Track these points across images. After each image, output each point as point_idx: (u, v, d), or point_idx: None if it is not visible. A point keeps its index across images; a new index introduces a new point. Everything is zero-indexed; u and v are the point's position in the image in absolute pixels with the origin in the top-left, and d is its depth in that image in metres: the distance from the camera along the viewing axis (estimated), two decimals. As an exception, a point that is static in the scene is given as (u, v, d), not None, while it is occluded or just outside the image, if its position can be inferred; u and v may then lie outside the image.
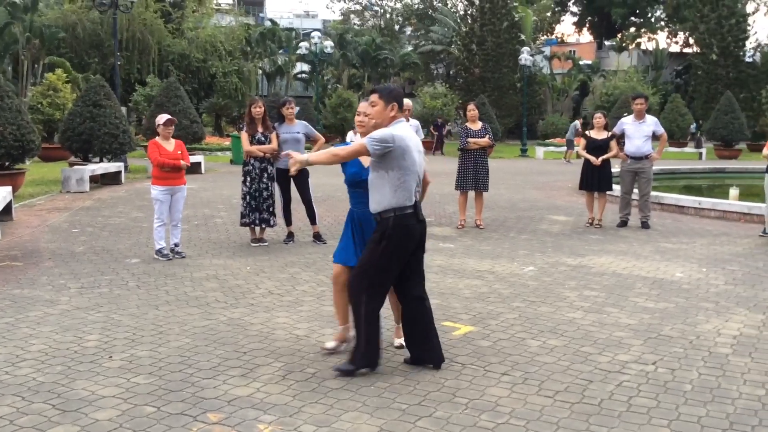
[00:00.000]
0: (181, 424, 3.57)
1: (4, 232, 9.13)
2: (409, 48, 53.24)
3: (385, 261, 4.27)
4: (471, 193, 10.25)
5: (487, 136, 10.04)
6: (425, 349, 4.46)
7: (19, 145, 12.49)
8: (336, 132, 32.89)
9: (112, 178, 15.89)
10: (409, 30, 57.84)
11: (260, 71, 46.74)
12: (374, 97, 4.40)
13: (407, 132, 4.34)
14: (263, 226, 8.63)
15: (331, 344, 4.78)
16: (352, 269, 4.50)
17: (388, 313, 4.90)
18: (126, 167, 17.44)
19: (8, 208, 10.18)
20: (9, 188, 10.24)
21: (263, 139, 8.53)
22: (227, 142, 27.50)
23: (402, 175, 4.24)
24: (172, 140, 7.91)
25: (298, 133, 8.75)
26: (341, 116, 32.19)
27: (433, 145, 31.58)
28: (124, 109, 21.04)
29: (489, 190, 10.36)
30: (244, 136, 8.58)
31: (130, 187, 15.11)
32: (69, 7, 35.21)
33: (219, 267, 7.38)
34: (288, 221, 8.99)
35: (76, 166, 15.12)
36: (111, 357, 4.55)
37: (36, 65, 34.16)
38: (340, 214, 11.37)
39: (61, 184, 14.37)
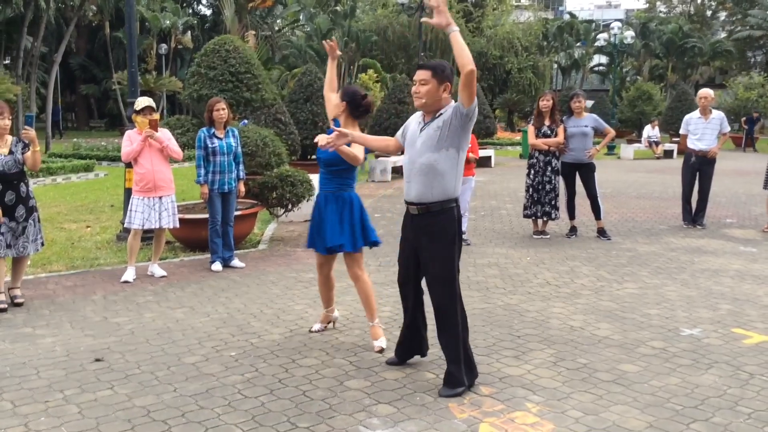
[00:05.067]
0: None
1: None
2: (722, 35, 48.46)
3: (459, 258, 3.95)
4: (783, 194, 9.20)
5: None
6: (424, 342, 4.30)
7: (334, 138, 14.14)
8: (632, 126, 31.31)
9: (410, 170, 17.16)
10: (723, 15, 52.58)
11: (555, 65, 46.25)
12: (425, 75, 3.83)
13: None
14: (545, 218, 8.72)
15: (317, 326, 5.02)
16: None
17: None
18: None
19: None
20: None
21: (549, 132, 8.61)
22: (518, 137, 27.84)
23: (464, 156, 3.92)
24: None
25: (586, 126, 8.67)
26: (639, 109, 30.49)
27: (743, 141, 28.48)
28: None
29: (806, 191, 9.19)
30: (531, 129, 8.75)
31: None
32: (381, 12, 38.42)
33: (501, 256, 7.67)
34: (571, 215, 8.95)
35: (380, 158, 16.61)
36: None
37: (352, 66, 37.87)
38: (628, 211, 10.98)
39: (368, 174, 15.96)
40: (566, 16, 51.09)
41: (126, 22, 8.50)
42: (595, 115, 8.96)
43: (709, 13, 52.67)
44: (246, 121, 8.48)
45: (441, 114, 3.90)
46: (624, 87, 40.14)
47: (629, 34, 27.02)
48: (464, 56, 3.58)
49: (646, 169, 19.56)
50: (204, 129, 6.97)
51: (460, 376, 3.89)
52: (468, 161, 8.22)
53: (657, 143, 24.72)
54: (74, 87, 43.98)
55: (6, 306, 5.51)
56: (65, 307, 5.59)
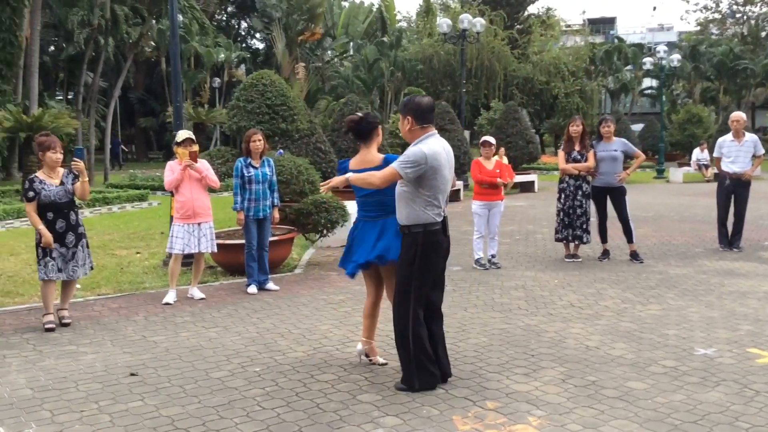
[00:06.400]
0: (461, 405, 4.09)
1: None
2: (778, 55, 47.34)
3: (420, 278, 4.30)
4: (822, 216, 9.07)
5: None
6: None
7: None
8: (682, 149, 30.86)
9: (452, 195, 17.38)
10: (779, 35, 51.40)
11: (603, 89, 45.89)
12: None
13: (440, 148, 4.22)
14: (576, 242, 8.81)
15: (360, 347, 4.98)
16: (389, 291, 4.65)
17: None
18: (465, 185, 18.85)
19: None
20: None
21: (579, 157, 8.73)
22: (565, 162, 27.74)
23: (434, 193, 4.24)
24: (493, 159, 8.57)
25: (615, 151, 8.75)
26: (689, 132, 30.07)
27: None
28: (467, 133, 22.58)
29: None
30: (561, 154, 8.89)
31: (467, 203, 16.32)
32: (427, 41, 38.93)
33: (529, 278, 7.80)
34: (603, 239, 9.01)
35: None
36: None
37: (398, 95, 38.43)
38: (667, 234, 10.94)
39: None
40: (615, 41, 50.73)
41: (171, 59, 9.03)
42: (624, 140, 9.04)
43: (763, 34, 51.57)
44: (282, 151, 8.88)
45: None
46: (675, 110, 39.60)
47: (675, 57, 26.78)
48: (371, 183, 4.26)
49: (694, 192, 19.29)
50: (241, 159, 7.36)
51: (411, 378, 4.33)
52: (496, 186, 8.42)
53: (707, 166, 24.31)
54: (133, 120, 45.75)
55: (54, 326, 5.93)
56: (108, 327, 5.99)
